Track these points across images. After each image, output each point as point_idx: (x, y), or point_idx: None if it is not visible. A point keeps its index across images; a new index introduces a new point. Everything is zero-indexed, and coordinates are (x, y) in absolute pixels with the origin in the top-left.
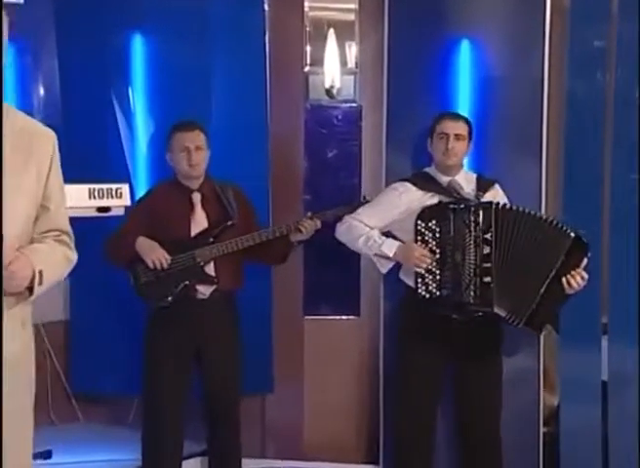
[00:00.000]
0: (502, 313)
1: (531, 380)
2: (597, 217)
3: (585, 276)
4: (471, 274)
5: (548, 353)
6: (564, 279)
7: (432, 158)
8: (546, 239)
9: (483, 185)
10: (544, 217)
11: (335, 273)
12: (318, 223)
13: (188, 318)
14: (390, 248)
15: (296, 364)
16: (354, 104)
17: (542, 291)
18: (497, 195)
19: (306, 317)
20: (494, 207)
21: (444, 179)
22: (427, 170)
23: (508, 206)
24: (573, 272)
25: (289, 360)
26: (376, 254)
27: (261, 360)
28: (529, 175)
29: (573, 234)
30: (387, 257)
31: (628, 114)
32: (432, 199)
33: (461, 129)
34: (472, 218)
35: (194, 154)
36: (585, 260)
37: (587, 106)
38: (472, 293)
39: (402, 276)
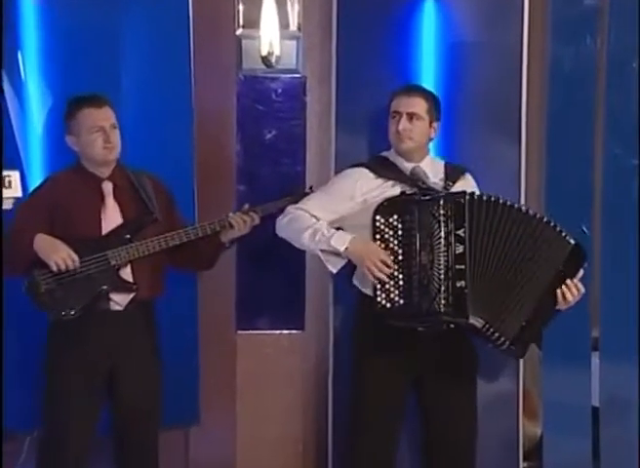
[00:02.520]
0: (479, 324)
1: (509, 406)
2: (586, 211)
3: (582, 289)
4: (442, 278)
5: (529, 374)
6: (559, 291)
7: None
8: (536, 239)
9: (452, 174)
10: (531, 212)
11: (274, 279)
12: (256, 218)
13: (100, 334)
14: (342, 241)
15: (226, 388)
16: (297, 75)
17: (535, 305)
18: (467, 186)
19: (240, 332)
20: (467, 197)
21: (406, 166)
22: (386, 154)
23: (485, 196)
24: (569, 283)
25: (218, 384)
26: (323, 250)
27: (185, 384)
28: (506, 158)
29: (572, 241)
30: (337, 253)
31: (624, 87)
32: (393, 189)
33: (417, 106)
34: (442, 212)
35: (111, 134)
36: (582, 271)
37: (575, 77)
38: (444, 301)
39: (356, 281)
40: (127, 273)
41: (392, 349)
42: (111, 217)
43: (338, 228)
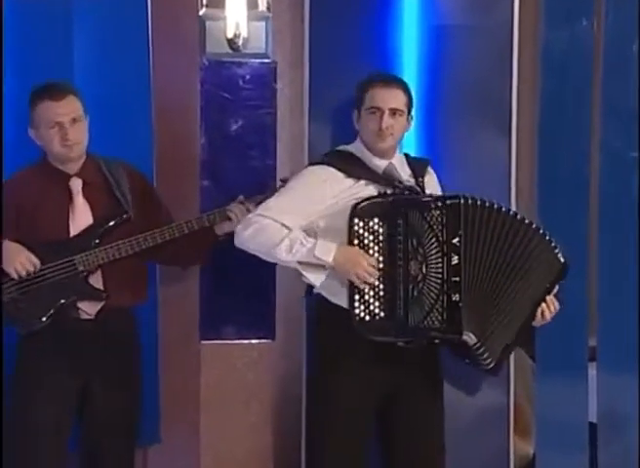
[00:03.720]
0: (471, 341)
1: (498, 422)
2: (582, 207)
3: (557, 306)
4: (437, 290)
5: (521, 386)
6: (539, 308)
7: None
8: (530, 252)
9: (418, 169)
10: (527, 221)
11: (241, 283)
12: (252, 209)
13: (69, 346)
14: (327, 251)
15: (189, 403)
16: (266, 60)
17: (521, 322)
18: (432, 181)
19: (204, 342)
20: (462, 202)
21: (377, 163)
22: (350, 148)
23: (480, 201)
24: (547, 300)
25: (180, 398)
26: (301, 263)
27: (145, 399)
28: (494, 152)
29: (562, 259)
30: (318, 265)
31: (623, 73)
32: (366, 189)
33: (399, 101)
34: (436, 217)
35: (70, 130)
36: (557, 287)
37: (569, 63)
38: (440, 317)
39: (322, 290)
40: (97, 279)
41: (359, 365)
42: (81, 218)
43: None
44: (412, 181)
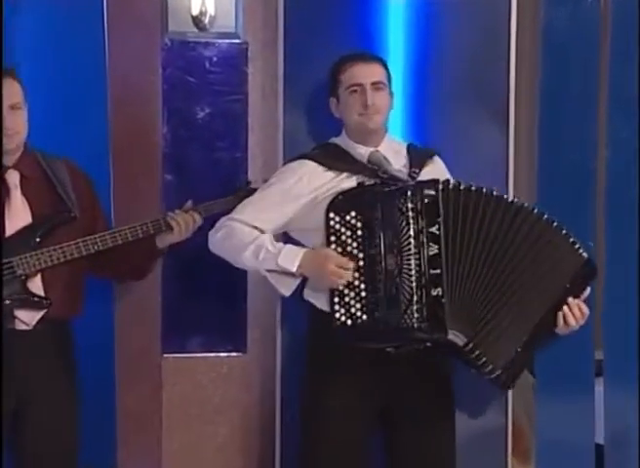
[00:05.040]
0: (460, 341)
1: (495, 444)
2: (587, 205)
3: (586, 311)
4: (413, 286)
5: (520, 405)
6: (560, 312)
7: (343, 123)
8: (536, 241)
9: (417, 158)
10: (526, 206)
11: (208, 291)
12: (198, 219)
13: (2, 360)
14: (292, 259)
15: (149, 424)
16: (237, 40)
17: (534, 326)
18: (436, 172)
19: (167, 355)
20: (440, 187)
21: (362, 153)
22: (335, 140)
23: (463, 185)
24: (570, 302)
25: (139, 418)
26: (270, 270)
27: (97, 419)
28: (490, 142)
29: (585, 255)
30: (289, 273)
31: (632, 54)
32: (349, 181)
33: (379, 74)
34: (410, 205)
35: (11, 116)
36: (588, 290)
37: (572, 43)
38: (417, 314)
39: (308, 297)
40: (37, 285)
41: (355, 376)
42: (18, 215)
43: (286, 242)
44: (403, 172)
